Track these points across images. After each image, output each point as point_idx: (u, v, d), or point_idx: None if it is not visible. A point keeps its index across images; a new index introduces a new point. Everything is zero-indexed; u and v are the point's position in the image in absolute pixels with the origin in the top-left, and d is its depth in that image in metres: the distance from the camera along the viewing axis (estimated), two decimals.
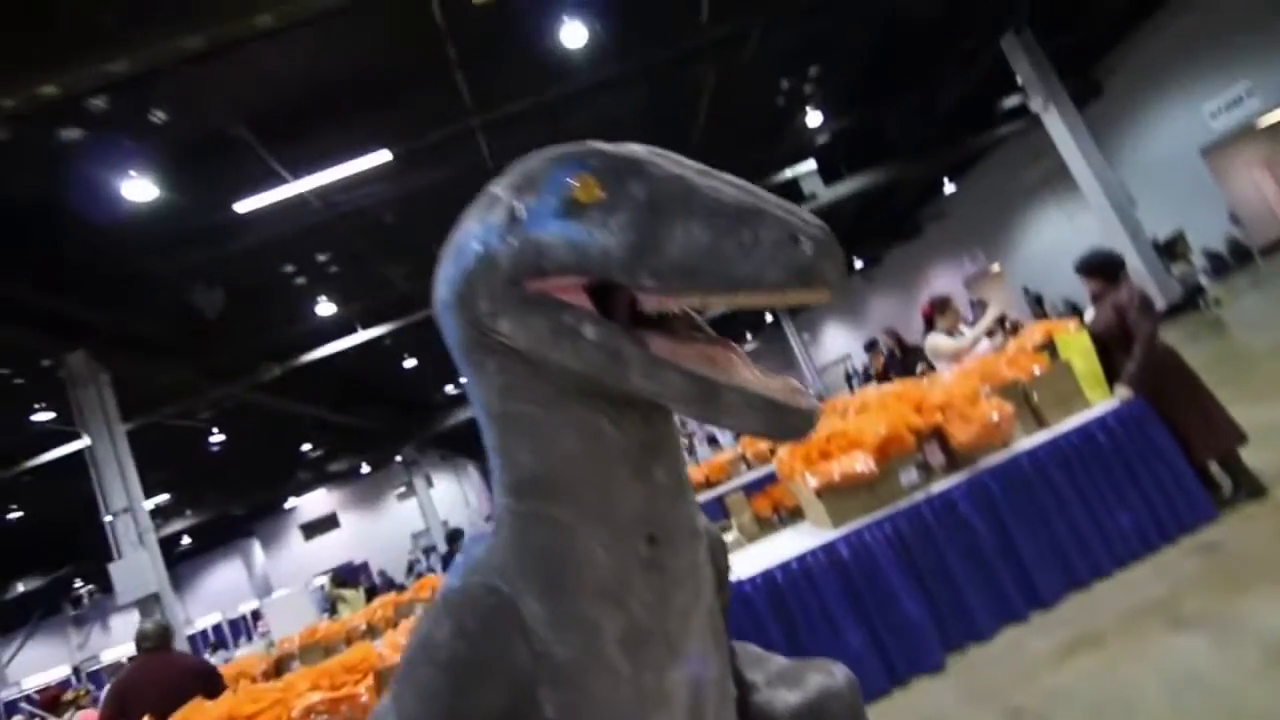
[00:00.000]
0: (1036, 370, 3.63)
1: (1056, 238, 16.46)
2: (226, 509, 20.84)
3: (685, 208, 0.71)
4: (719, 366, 0.74)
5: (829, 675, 1.03)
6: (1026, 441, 3.39)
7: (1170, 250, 11.46)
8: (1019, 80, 12.08)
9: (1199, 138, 13.05)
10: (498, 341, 0.81)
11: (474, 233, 0.82)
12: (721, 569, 1.07)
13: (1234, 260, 12.95)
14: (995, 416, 3.33)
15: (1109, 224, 11.59)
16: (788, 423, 0.72)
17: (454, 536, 8.43)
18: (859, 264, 23.23)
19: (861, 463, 3.17)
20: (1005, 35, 11.11)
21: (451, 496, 25.09)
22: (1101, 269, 3.81)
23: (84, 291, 8.04)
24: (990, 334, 4.60)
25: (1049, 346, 3.94)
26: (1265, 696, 2.09)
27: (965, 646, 3.02)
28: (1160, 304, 10.91)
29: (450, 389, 19.31)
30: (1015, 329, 5.78)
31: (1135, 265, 11.31)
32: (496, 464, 0.86)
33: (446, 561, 11.90)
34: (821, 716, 0.99)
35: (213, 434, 14.12)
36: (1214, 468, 3.54)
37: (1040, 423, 3.51)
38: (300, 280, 10.47)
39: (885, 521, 3.12)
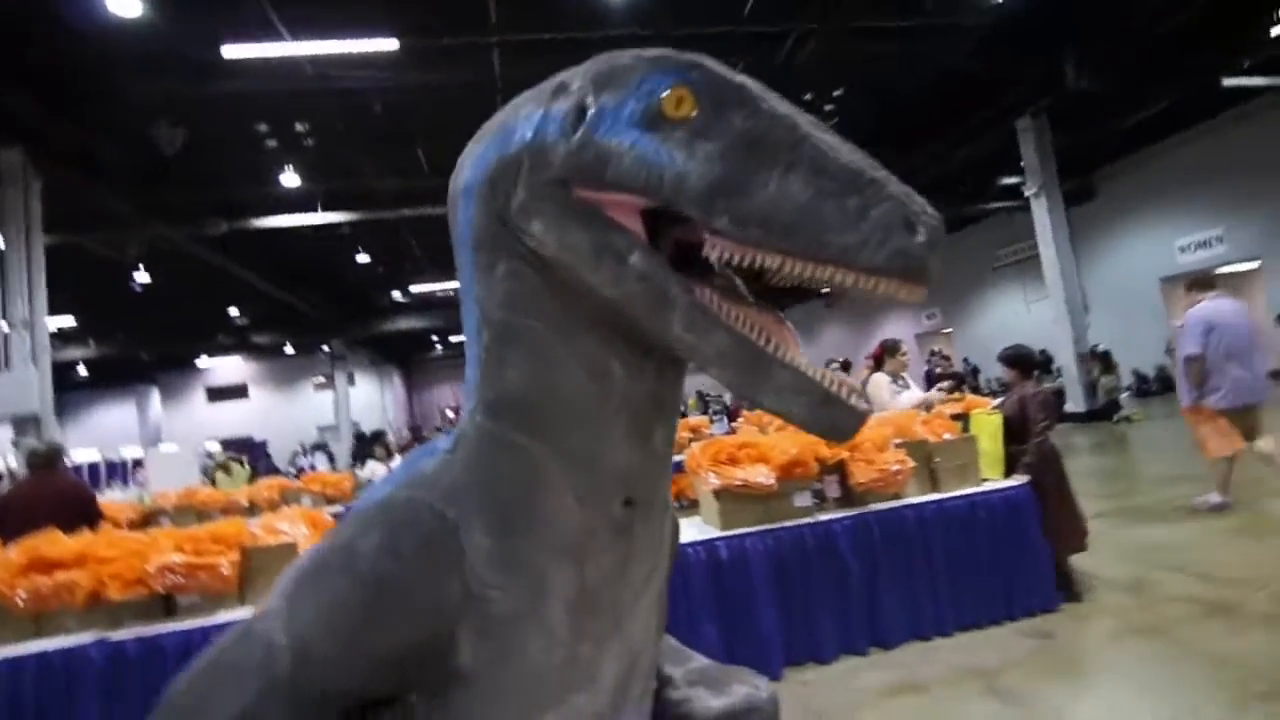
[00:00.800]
0: (946, 436, 3.85)
1: (1011, 320, 17.16)
2: (134, 351, 19.94)
3: (789, 154, 0.62)
4: (772, 339, 0.66)
5: (754, 688, 0.96)
6: (916, 497, 3.60)
7: (1105, 361, 12.12)
8: (1022, 162, 12.43)
9: (1163, 267, 13.77)
10: (519, 242, 0.72)
11: (529, 117, 0.72)
12: (674, 553, 1.00)
13: (1158, 387, 13.79)
14: (896, 467, 3.52)
15: (1060, 321, 12.14)
16: (837, 418, 0.64)
17: (375, 437, 8.28)
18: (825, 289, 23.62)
19: (764, 476, 3.32)
20: (1023, 116, 11.39)
21: (370, 401, 24.68)
22: (1018, 362, 4.17)
23: (40, 90, 7.50)
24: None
25: (963, 419, 4.18)
26: None
27: (805, 664, 3.23)
28: (1080, 407, 11.55)
29: (397, 295, 18.87)
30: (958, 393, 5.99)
31: (1069, 365, 11.91)
32: (475, 374, 0.77)
33: (359, 459, 11.67)
34: None
35: (138, 272, 13.43)
36: (1078, 564, 3.84)
37: (934, 484, 3.73)
38: (271, 143, 10.02)
39: (769, 535, 3.27)
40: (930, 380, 12.43)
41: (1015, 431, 3.89)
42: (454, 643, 0.69)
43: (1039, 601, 3.56)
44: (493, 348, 0.75)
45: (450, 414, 27.03)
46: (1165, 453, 6.73)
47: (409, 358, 28.07)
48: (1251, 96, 10.00)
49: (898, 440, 3.73)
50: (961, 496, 3.57)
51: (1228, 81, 9.48)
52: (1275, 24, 8.64)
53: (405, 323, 19.55)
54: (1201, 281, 5.17)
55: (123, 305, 16.34)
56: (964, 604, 3.46)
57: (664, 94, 0.66)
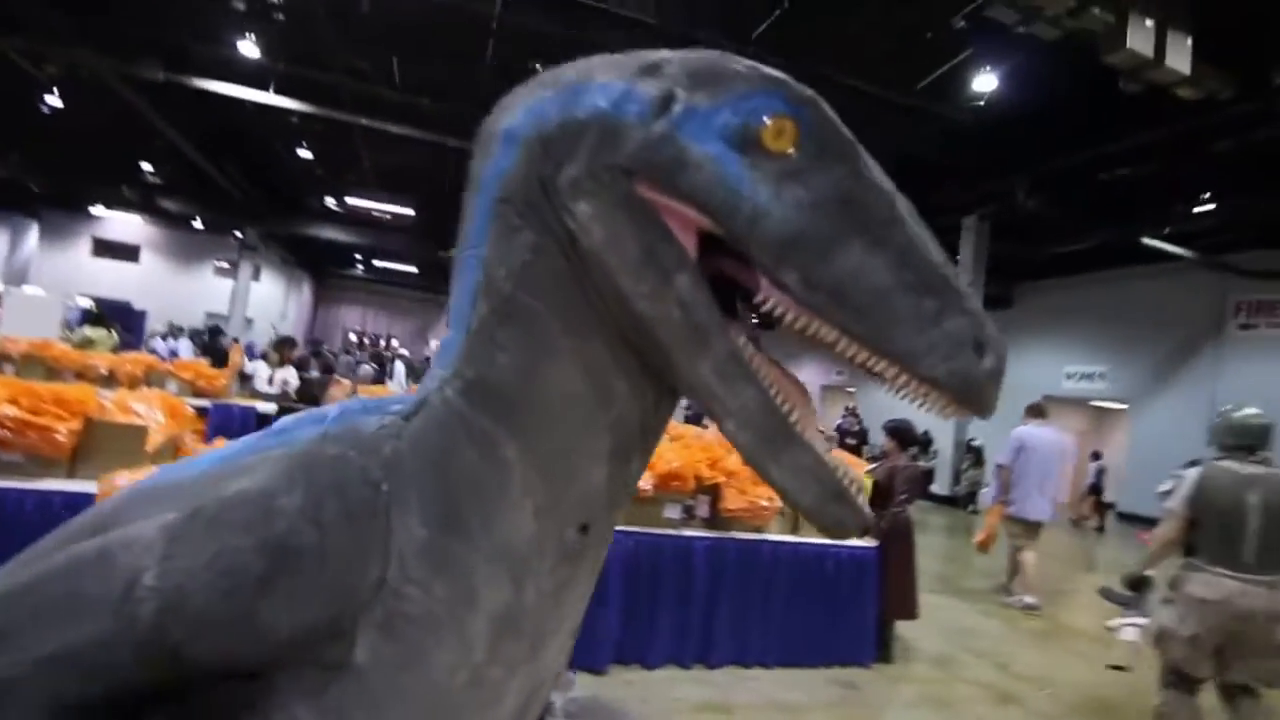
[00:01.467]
0: None
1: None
2: (21, 177, 18.01)
3: (880, 231, 0.59)
4: (795, 411, 0.61)
5: None
6: (776, 535, 3.79)
7: (976, 455, 13.07)
8: (958, 256, 13.22)
9: (1049, 386, 14.96)
10: (556, 218, 0.64)
11: (607, 86, 0.64)
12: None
13: None
14: (765, 502, 3.69)
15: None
16: (842, 516, 0.60)
17: (284, 343, 7.80)
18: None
19: (642, 481, 3.40)
20: (970, 215, 12.11)
21: (271, 301, 23.31)
22: (898, 434, 4.50)
23: None
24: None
25: None
26: None
27: (632, 665, 3.35)
28: (944, 490, 12.41)
29: (330, 202, 17.94)
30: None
31: (945, 450, 12.77)
32: (459, 342, 0.68)
33: (211, 353, 10.95)
34: None
35: (51, 94, 12.15)
36: (898, 629, 4.15)
37: (795, 528, 3.93)
38: (237, 5, 9.30)
39: (630, 537, 3.36)
40: (841, 435, 13.04)
41: (879, 497, 4.16)
42: (350, 636, 0.59)
43: (855, 655, 3.83)
44: (489, 321, 0.66)
45: (354, 338, 25.96)
46: (1002, 550, 7.37)
47: (325, 269, 26.70)
48: (1162, 259, 11.06)
49: None
50: (816, 544, 3.78)
51: (1146, 240, 10.44)
52: (1200, 204, 9.60)
53: (332, 232, 18.57)
54: (1034, 408, 6.05)
55: (24, 125, 14.72)
56: (789, 642, 3.68)
57: (768, 119, 0.60)
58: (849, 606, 3.83)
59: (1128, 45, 5.52)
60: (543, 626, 0.69)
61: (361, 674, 0.60)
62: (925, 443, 12.58)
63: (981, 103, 8.32)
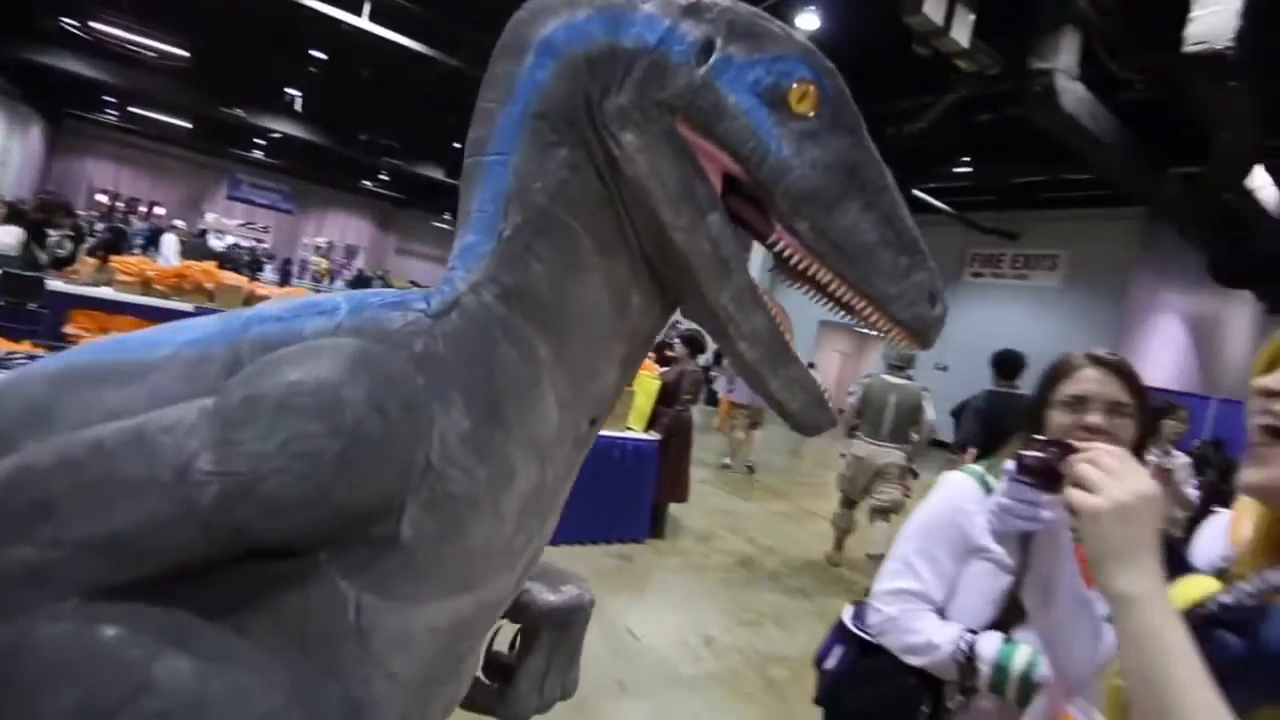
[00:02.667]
0: None
1: None
2: None
3: (873, 195, 0.69)
4: (787, 332, 0.71)
5: (580, 589, 1.04)
6: None
7: None
8: None
9: (821, 312, 16.91)
10: (599, 140, 0.69)
11: (653, 20, 0.68)
12: None
13: None
14: None
15: None
16: (821, 418, 0.72)
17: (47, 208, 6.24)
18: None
19: None
20: None
21: None
22: (691, 342, 4.96)
23: None
24: None
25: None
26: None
27: None
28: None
29: (72, 25, 14.40)
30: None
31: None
32: (486, 246, 0.70)
33: None
34: (567, 622, 1.01)
35: None
36: (671, 510, 4.71)
37: None
38: None
39: None
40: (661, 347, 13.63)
41: (667, 397, 4.59)
42: (399, 514, 0.64)
43: (633, 533, 4.31)
44: (523, 231, 0.69)
45: (103, 199, 21.79)
46: (785, 452, 8.53)
47: (63, 110, 21.63)
48: (926, 210, 12.76)
49: None
50: (607, 436, 4.12)
51: (916, 192, 11.96)
52: (960, 166, 11.15)
53: (75, 64, 15.03)
54: None
55: None
56: (574, 523, 4.03)
57: (795, 83, 0.66)
58: (630, 491, 4.27)
59: (923, 10, 6.15)
60: (554, 502, 0.79)
61: (405, 547, 0.65)
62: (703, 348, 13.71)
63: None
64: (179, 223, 13.69)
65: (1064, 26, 6.45)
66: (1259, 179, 7.87)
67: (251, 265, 14.00)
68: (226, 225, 20.38)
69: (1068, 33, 6.47)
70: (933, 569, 1.19)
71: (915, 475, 4.66)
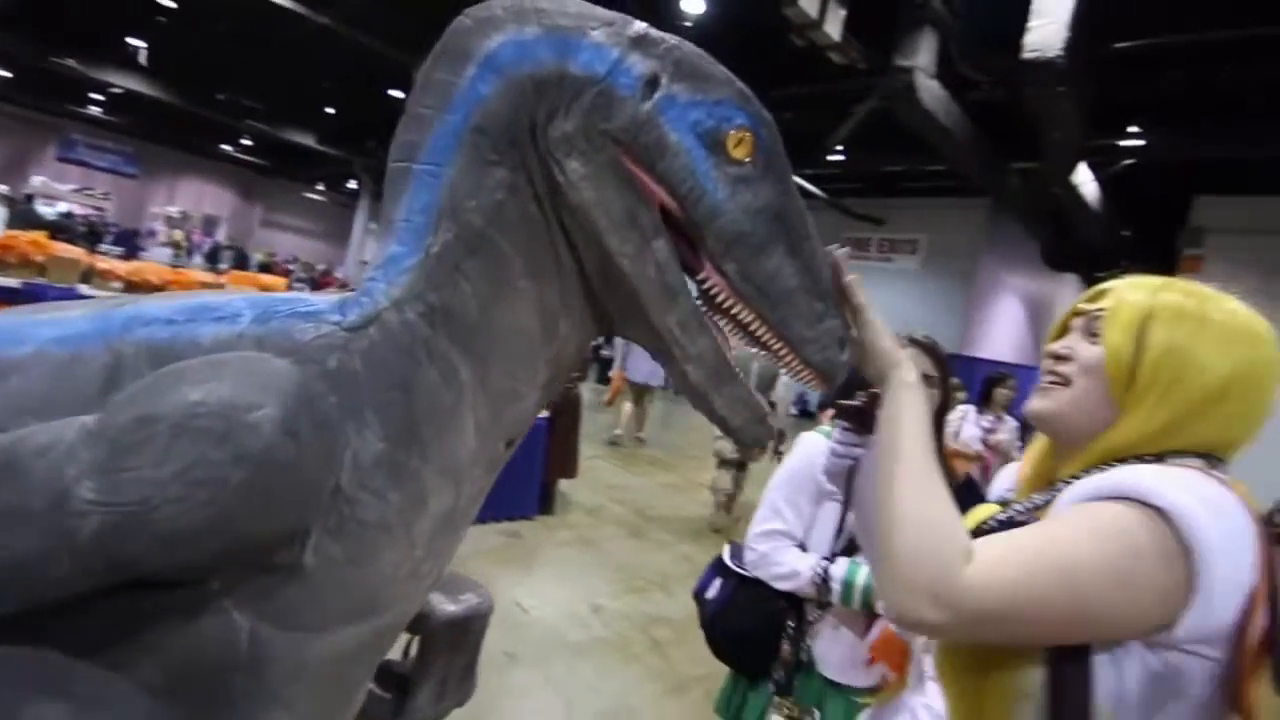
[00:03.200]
0: None
1: None
2: None
3: (797, 246, 0.72)
4: (728, 354, 0.74)
5: (480, 596, 1.04)
6: None
7: None
8: None
9: None
10: (538, 163, 0.68)
11: (602, 49, 0.68)
12: None
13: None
14: None
15: None
16: (759, 434, 0.75)
17: None
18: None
19: None
20: None
21: None
22: None
23: None
24: None
25: None
26: None
27: None
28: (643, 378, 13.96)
29: None
30: None
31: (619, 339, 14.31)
32: (413, 260, 0.68)
33: None
34: (466, 630, 1.01)
35: None
36: (560, 486, 4.77)
37: None
38: None
39: None
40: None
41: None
42: (304, 537, 0.61)
43: (521, 510, 4.35)
44: (454, 249, 0.67)
45: None
46: (673, 428, 8.77)
47: None
48: (806, 196, 13.43)
49: None
50: None
51: (794, 177, 12.55)
52: (834, 154, 11.78)
53: None
54: None
55: None
56: None
57: (733, 128, 0.68)
58: (518, 469, 4.28)
59: (799, 3, 6.43)
60: (464, 522, 0.78)
61: (308, 575, 0.62)
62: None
63: (689, 24, 8.96)
64: (1, 187, 11.92)
65: (923, 27, 6.96)
66: (1082, 175, 8.90)
67: (89, 236, 12.53)
68: (58, 190, 17.98)
69: (926, 33, 6.98)
70: (794, 512, 1.44)
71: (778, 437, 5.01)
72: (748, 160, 0.69)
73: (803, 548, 1.44)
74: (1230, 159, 8.51)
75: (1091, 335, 0.76)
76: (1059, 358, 0.78)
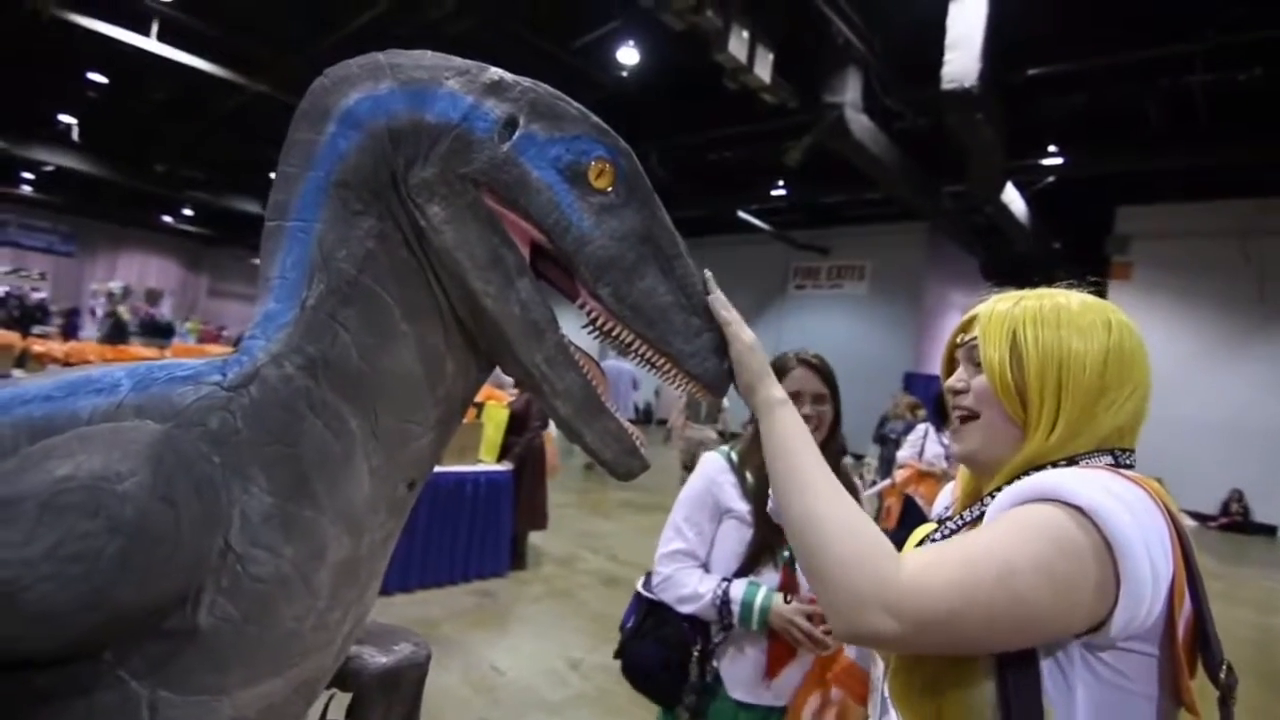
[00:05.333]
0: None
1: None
2: None
3: (666, 265, 0.76)
4: (600, 388, 0.76)
5: (415, 646, 1.02)
6: None
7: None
8: None
9: None
10: (402, 210, 0.70)
11: (456, 97, 0.70)
12: None
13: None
14: None
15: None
16: (630, 466, 0.77)
17: None
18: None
19: None
20: None
21: None
22: None
23: None
24: None
25: (479, 407, 4.73)
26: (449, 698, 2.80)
27: None
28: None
29: None
30: None
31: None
32: (289, 315, 0.69)
33: None
34: (399, 682, 0.98)
35: None
36: (531, 538, 4.69)
37: None
38: None
39: None
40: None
41: (516, 425, 4.59)
42: (195, 599, 0.60)
43: (491, 568, 4.25)
44: (328, 300, 0.69)
45: None
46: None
47: None
48: (751, 230, 13.76)
49: None
50: (454, 472, 4.05)
51: (741, 213, 12.88)
52: (776, 188, 12.15)
53: None
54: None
55: None
56: (429, 566, 3.92)
57: (593, 160, 0.72)
58: (485, 526, 4.21)
59: (729, 49, 6.70)
60: (372, 570, 0.77)
61: (205, 636, 0.62)
62: None
63: (625, 74, 9.24)
64: None
65: (848, 65, 7.31)
66: (1010, 194, 9.34)
67: (22, 319, 12.07)
68: None
69: (851, 71, 7.33)
70: (695, 531, 1.48)
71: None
72: (610, 189, 0.73)
73: (705, 567, 1.47)
74: (1139, 170, 9.05)
75: (975, 364, 0.80)
76: (956, 392, 0.83)
